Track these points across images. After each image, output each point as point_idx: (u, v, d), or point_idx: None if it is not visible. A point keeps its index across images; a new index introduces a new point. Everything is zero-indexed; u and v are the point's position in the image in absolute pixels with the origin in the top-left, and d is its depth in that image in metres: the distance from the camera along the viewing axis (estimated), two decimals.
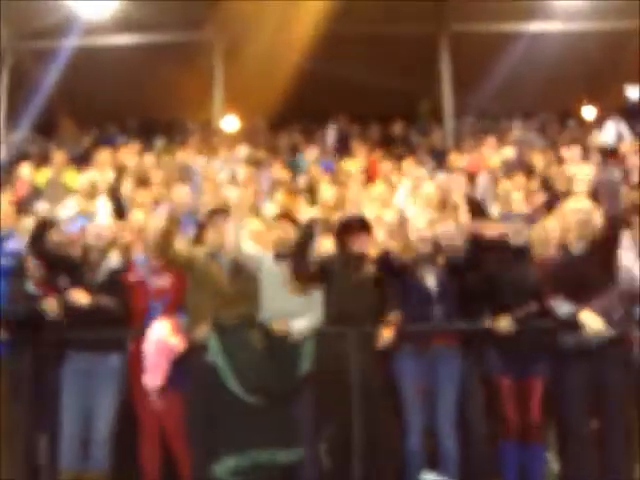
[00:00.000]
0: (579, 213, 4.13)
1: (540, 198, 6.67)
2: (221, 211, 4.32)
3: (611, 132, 10.22)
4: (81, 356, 3.97)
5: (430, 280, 4.03)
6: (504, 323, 3.84)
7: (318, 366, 3.83)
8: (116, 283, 4.12)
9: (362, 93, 11.36)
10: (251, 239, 4.53)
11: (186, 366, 3.88)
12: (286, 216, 4.43)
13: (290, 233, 4.19)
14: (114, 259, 4.25)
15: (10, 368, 4.02)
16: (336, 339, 3.82)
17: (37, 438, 4.11)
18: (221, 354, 3.78)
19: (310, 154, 8.80)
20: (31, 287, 4.12)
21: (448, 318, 3.99)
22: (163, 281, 4.18)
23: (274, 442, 3.68)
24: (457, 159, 8.54)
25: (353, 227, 4.12)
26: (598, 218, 4.43)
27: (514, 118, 11.23)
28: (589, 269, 3.99)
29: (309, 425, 3.86)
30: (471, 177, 7.84)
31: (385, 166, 8.27)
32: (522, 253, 4.18)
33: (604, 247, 4.05)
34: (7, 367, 4.03)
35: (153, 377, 3.79)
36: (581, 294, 3.89)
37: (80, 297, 3.90)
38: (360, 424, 3.69)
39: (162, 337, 3.81)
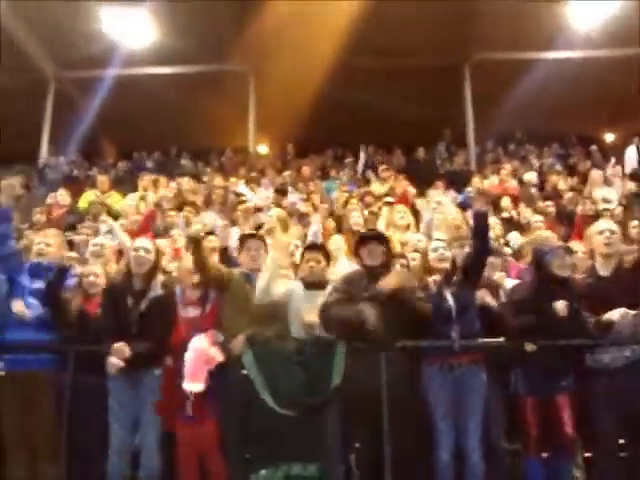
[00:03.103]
0: (604, 233, 4.19)
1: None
2: (254, 235, 4.36)
3: (633, 157, 10.41)
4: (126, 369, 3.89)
5: (449, 299, 4.03)
6: (529, 346, 3.90)
7: (349, 380, 3.84)
8: (158, 311, 4.05)
9: (388, 121, 11.72)
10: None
11: (222, 379, 3.92)
12: (315, 247, 4.52)
13: (321, 262, 4.30)
14: (158, 286, 4.20)
15: (55, 383, 4.05)
16: (367, 353, 3.87)
17: (84, 450, 4.04)
18: (255, 367, 3.82)
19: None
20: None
21: (468, 336, 3.94)
22: (195, 312, 4.14)
23: (305, 455, 3.70)
24: (479, 183, 8.73)
25: (367, 240, 4.18)
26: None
27: (537, 143, 11.45)
28: (615, 291, 3.98)
29: (340, 438, 3.83)
30: (494, 200, 8.10)
31: (410, 190, 8.45)
32: (565, 281, 4.10)
33: (634, 273, 4.10)
34: (52, 382, 4.06)
35: (193, 383, 3.82)
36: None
37: (117, 358, 3.84)
38: (390, 438, 3.73)
39: (202, 347, 3.87)
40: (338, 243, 5.63)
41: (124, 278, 4.19)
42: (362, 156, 10.75)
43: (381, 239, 4.22)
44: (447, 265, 4.16)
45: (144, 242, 4.30)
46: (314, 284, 4.18)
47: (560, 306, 3.90)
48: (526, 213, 7.08)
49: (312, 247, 4.48)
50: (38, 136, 12.46)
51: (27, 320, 4.09)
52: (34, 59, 12.18)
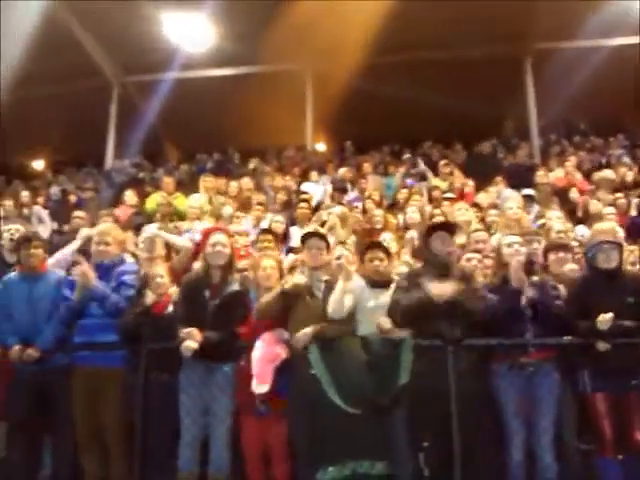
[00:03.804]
0: None
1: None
2: (315, 234, 4.35)
3: None
4: (197, 363, 3.94)
5: (523, 297, 3.92)
6: (602, 345, 3.81)
7: (416, 378, 3.79)
8: (233, 306, 4.08)
9: (447, 115, 11.56)
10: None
11: (289, 377, 3.95)
12: (377, 245, 4.48)
13: (384, 261, 4.28)
14: (235, 282, 4.21)
15: (124, 378, 4.11)
16: (434, 351, 3.85)
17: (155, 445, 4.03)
18: (321, 365, 3.81)
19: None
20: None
21: (542, 335, 3.89)
22: None
23: (373, 453, 3.69)
24: (544, 176, 8.49)
25: (436, 228, 4.16)
26: None
27: (601, 134, 11.12)
28: None
29: (408, 436, 3.82)
30: (560, 193, 7.91)
31: (469, 184, 8.42)
32: (614, 275, 4.02)
33: None
34: (121, 377, 4.12)
35: (260, 384, 3.85)
36: None
37: (190, 343, 3.85)
38: (459, 436, 3.67)
39: (268, 345, 3.92)
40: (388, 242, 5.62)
41: (202, 271, 4.19)
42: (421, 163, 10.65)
43: (451, 229, 4.16)
44: (522, 260, 4.04)
45: (219, 237, 4.21)
46: (379, 283, 4.17)
47: (603, 319, 3.76)
48: (596, 206, 6.87)
49: (374, 245, 4.46)
50: (103, 139, 12.86)
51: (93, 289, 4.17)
52: (98, 65, 12.61)
